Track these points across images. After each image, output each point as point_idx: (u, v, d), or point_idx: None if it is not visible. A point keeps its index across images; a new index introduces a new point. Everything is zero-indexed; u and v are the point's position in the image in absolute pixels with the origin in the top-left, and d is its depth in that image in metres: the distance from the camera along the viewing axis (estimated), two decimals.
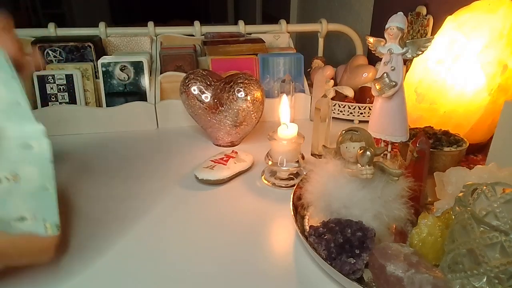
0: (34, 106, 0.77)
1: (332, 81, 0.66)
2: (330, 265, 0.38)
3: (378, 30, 0.78)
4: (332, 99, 0.66)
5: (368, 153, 0.40)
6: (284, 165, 0.58)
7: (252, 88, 0.67)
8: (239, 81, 0.67)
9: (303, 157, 0.60)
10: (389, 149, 0.55)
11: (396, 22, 0.47)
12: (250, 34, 1.03)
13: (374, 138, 0.51)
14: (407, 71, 0.72)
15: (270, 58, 0.87)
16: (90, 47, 0.83)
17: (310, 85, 0.89)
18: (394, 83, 0.48)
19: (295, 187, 0.54)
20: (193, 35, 1.02)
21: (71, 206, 0.53)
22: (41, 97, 0.78)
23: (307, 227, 0.46)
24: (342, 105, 0.83)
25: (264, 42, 0.93)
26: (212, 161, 0.61)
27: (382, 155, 0.48)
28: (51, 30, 0.92)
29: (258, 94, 0.68)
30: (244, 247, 0.46)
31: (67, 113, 0.76)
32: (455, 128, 0.57)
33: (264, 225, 0.50)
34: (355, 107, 0.82)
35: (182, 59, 0.88)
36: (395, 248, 0.37)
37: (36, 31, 0.92)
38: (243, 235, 0.48)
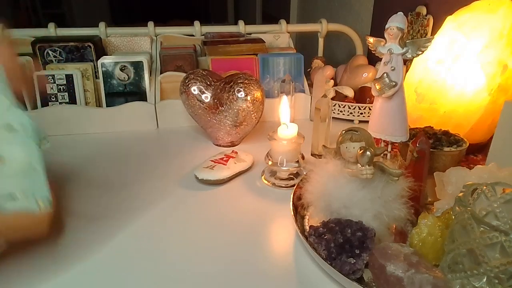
0: (34, 106, 0.77)
1: (332, 81, 0.66)
2: (330, 265, 0.38)
3: (378, 30, 0.78)
4: (332, 99, 0.66)
5: (368, 153, 0.40)
6: (284, 165, 0.58)
7: (252, 88, 0.67)
8: (239, 81, 0.67)
9: (303, 157, 0.60)
10: (389, 149, 0.55)
11: (396, 22, 0.47)
12: (250, 34, 1.03)
13: (374, 138, 0.51)
14: (407, 71, 0.72)
15: (270, 58, 0.87)
16: (90, 47, 0.83)
17: (310, 85, 0.89)
18: (394, 83, 0.48)
19: (295, 187, 0.54)
20: (193, 35, 1.02)
21: (71, 206, 0.53)
22: (41, 97, 0.78)
23: (307, 227, 0.46)
24: (342, 105, 0.83)
25: (264, 42, 0.93)
26: (212, 161, 0.61)
27: (382, 155, 0.48)
28: (51, 30, 0.92)
29: (258, 94, 0.68)
30: (244, 247, 0.46)
31: (67, 113, 0.76)
32: (455, 128, 0.57)
33: (264, 225, 0.50)
34: (355, 107, 0.82)
35: (182, 59, 0.88)
36: (395, 248, 0.37)
37: (36, 31, 0.92)
38: (243, 235, 0.48)
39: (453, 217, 0.37)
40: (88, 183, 0.60)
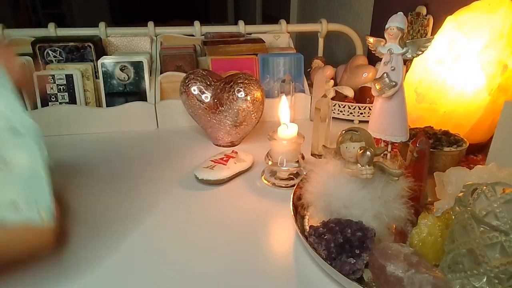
0: (34, 106, 0.77)
1: (332, 81, 0.66)
2: (330, 265, 0.38)
3: (378, 30, 0.78)
4: (332, 99, 0.66)
5: (368, 153, 0.40)
6: (284, 165, 0.58)
7: (252, 88, 0.67)
8: (239, 81, 0.67)
9: (303, 157, 0.60)
10: (389, 149, 0.55)
11: (396, 22, 0.47)
12: (250, 34, 1.03)
13: (374, 138, 0.51)
14: (407, 71, 0.72)
15: (270, 58, 0.87)
16: (90, 47, 0.83)
17: (310, 85, 0.89)
18: (394, 83, 0.48)
19: (295, 187, 0.54)
20: (193, 35, 1.02)
21: (71, 206, 0.53)
22: (41, 97, 0.78)
23: (307, 227, 0.46)
24: (342, 105, 0.83)
25: (264, 42, 0.93)
26: (212, 161, 0.61)
27: (382, 155, 0.48)
28: (51, 30, 0.92)
29: (258, 94, 0.68)
30: (244, 247, 0.46)
31: (67, 113, 0.76)
32: (455, 128, 0.57)
33: (264, 225, 0.50)
34: (355, 107, 0.82)
35: (182, 59, 0.88)
36: (395, 248, 0.37)
37: (36, 31, 0.92)
38: (243, 235, 0.48)
39: (453, 217, 0.37)
40: (88, 183, 0.60)
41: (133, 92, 0.81)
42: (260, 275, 0.41)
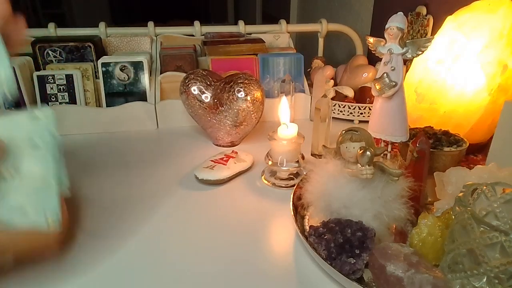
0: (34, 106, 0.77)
1: (332, 81, 0.66)
2: (330, 265, 0.38)
3: (378, 30, 0.78)
4: (332, 99, 0.66)
5: (368, 153, 0.40)
6: (284, 165, 0.58)
7: (252, 88, 0.67)
8: (239, 81, 0.67)
9: (303, 157, 0.60)
10: (389, 149, 0.55)
11: (396, 22, 0.47)
12: (250, 34, 1.03)
13: (374, 138, 0.51)
14: (407, 71, 0.72)
15: (270, 58, 0.87)
16: (90, 47, 0.83)
17: (310, 85, 0.89)
18: (394, 83, 0.48)
19: (295, 187, 0.54)
20: (193, 35, 1.02)
21: (71, 206, 0.53)
22: (41, 97, 0.78)
23: (307, 227, 0.46)
24: (342, 105, 0.83)
25: (264, 42, 0.93)
26: (212, 161, 0.61)
27: (382, 155, 0.48)
28: (51, 30, 0.92)
29: (258, 94, 0.68)
30: (244, 247, 0.46)
31: (67, 113, 0.76)
32: (455, 128, 0.57)
33: (264, 225, 0.50)
34: (355, 107, 0.82)
35: (182, 59, 0.88)
36: (395, 248, 0.37)
37: (36, 31, 0.92)
38: (243, 235, 0.48)
39: (453, 217, 0.37)
40: (87, 183, 0.60)
41: (133, 92, 0.81)
42: (260, 275, 0.41)
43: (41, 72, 0.78)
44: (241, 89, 0.66)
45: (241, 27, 1.02)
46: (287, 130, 0.58)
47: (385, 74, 0.49)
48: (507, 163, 0.43)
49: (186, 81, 0.69)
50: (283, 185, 0.59)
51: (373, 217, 0.42)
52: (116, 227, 0.49)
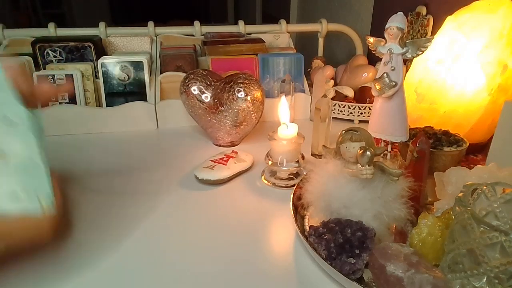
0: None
1: (332, 81, 0.66)
2: (330, 265, 0.38)
3: (378, 30, 0.78)
4: (332, 99, 0.66)
5: (368, 153, 0.40)
6: (284, 165, 0.58)
7: (252, 88, 0.67)
8: (239, 81, 0.67)
9: (303, 157, 0.60)
10: (389, 149, 0.55)
11: (396, 22, 0.47)
12: (250, 34, 1.03)
13: (374, 138, 0.51)
14: (407, 71, 0.72)
15: (270, 58, 0.87)
16: (90, 47, 0.83)
17: (310, 85, 0.89)
18: (394, 83, 0.48)
19: (295, 187, 0.54)
20: (193, 35, 1.02)
21: (70, 206, 0.53)
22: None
23: (307, 227, 0.46)
24: (342, 105, 0.83)
25: (264, 42, 0.93)
26: (212, 161, 0.61)
27: (382, 155, 0.48)
28: (51, 30, 0.92)
29: (258, 94, 0.68)
30: (244, 247, 0.46)
31: (67, 113, 0.76)
32: (455, 128, 0.57)
33: (264, 225, 0.50)
34: (355, 107, 0.82)
35: (182, 59, 0.88)
36: (395, 248, 0.37)
37: (36, 31, 0.92)
38: (243, 235, 0.48)
39: (453, 217, 0.37)
40: (87, 183, 0.60)
41: (133, 92, 0.81)
42: (260, 275, 0.41)
43: (41, 72, 0.78)
44: (241, 89, 0.66)
45: (241, 27, 1.02)
46: (287, 130, 0.58)
47: (385, 74, 0.49)
48: (507, 163, 0.43)
49: (186, 81, 0.69)
50: (283, 185, 0.59)
51: (373, 217, 0.42)
52: (115, 227, 0.49)
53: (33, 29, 0.92)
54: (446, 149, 0.51)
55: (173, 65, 0.88)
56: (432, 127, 0.57)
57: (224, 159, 0.62)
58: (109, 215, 0.51)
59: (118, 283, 0.40)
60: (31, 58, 0.81)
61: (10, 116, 0.34)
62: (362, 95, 0.84)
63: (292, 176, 0.60)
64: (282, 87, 0.81)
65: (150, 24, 0.99)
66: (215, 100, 0.68)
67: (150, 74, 0.83)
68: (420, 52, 0.48)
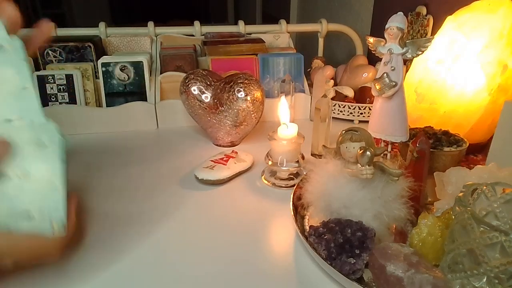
0: None
1: (332, 81, 0.66)
2: (330, 265, 0.38)
3: (378, 30, 0.78)
4: (332, 99, 0.66)
5: (368, 153, 0.40)
6: (284, 165, 0.58)
7: (252, 88, 0.67)
8: (239, 81, 0.67)
9: (303, 157, 0.60)
10: (389, 149, 0.55)
11: (396, 22, 0.47)
12: (250, 34, 1.03)
13: (374, 138, 0.51)
14: (407, 71, 0.72)
15: (270, 58, 0.87)
16: (90, 47, 0.83)
17: (310, 85, 0.89)
18: (394, 83, 0.48)
19: (295, 187, 0.54)
20: (193, 35, 1.02)
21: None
22: (41, 97, 0.78)
23: (307, 227, 0.46)
24: (342, 105, 0.83)
25: (264, 42, 0.93)
26: (212, 161, 0.61)
27: (382, 155, 0.48)
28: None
29: (258, 94, 0.68)
30: (244, 247, 0.46)
31: (67, 113, 0.76)
32: (455, 128, 0.57)
33: (264, 225, 0.50)
34: (355, 107, 0.82)
35: (182, 59, 0.88)
36: (395, 248, 0.37)
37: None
38: (243, 235, 0.48)
39: (453, 217, 0.37)
40: (87, 183, 0.59)
41: (133, 92, 0.81)
42: (260, 275, 0.41)
43: (41, 72, 0.78)
44: (241, 89, 0.66)
45: (241, 27, 1.02)
46: (287, 130, 0.58)
47: (385, 74, 0.49)
48: (507, 163, 0.43)
49: (186, 81, 0.69)
50: (283, 185, 0.59)
51: (373, 217, 0.42)
52: (115, 227, 0.49)
53: (33, 29, 0.92)
54: (446, 149, 0.51)
55: (173, 65, 0.88)
56: (432, 127, 0.57)
57: (224, 159, 0.62)
58: (108, 215, 0.51)
59: (118, 282, 0.40)
60: (31, 58, 0.81)
61: (43, 139, 0.35)
62: (362, 95, 0.84)
63: (292, 176, 0.60)
64: (282, 87, 0.81)
65: (150, 24, 0.99)
66: (215, 100, 0.68)
67: (150, 74, 0.83)
68: (420, 52, 0.48)
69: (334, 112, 0.83)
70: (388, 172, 0.41)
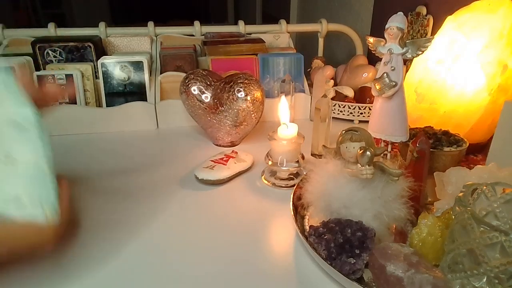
0: None
1: (332, 81, 0.66)
2: (330, 265, 0.38)
3: (378, 30, 0.78)
4: (332, 99, 0.66)
5: (368, 153, 0.40)
6: (284, 165, 0.58)
7: (252, 88, 0.67)
8: (239, 81, 0.67)
9: (303, 157, 0.60)
10: (389, 149, 0.55)
11: (396, 22, 0.47)
12: (250, 34, 1.03)
13: (374, 138, 0.51)
14: (407, 71, 0.72)
15: (270, 58, 0.87)
16: (90, 47, 0.83)
17: (310, 85, 0.89)
18: (394, 83, 0.48)
19: (295, 187, 0.54)
20: (193, 35, 1.02)
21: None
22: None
23: (307, 227, 0.46)
24: (342, 105, 0.83)
25: (264, 42, 0.93)
26: (212, 161, 0.61)
27: (382, 155, 0.48)
28: (51, 30, 0.92)
29: (258, 94, 0.68)
30: (244, 247, 0.46)
31: (67, 113, 0.76)
32: (455, 128, 0.57)
33: (264, 225, 0.50)
34: (355, 107, 0.82)
35: (182, 59, 0.88)
36: (395, 248, 0.37)
37: (36, 31, 0.92)
38: (243, 235, 0.48)
39: (453, 217, 0.37)
40: (87, 183, 0.60)
41: (133, 92, 0.81)
42: (260, 275, 0.41)
43: (41, 72, 0.78)
44: (241, 89, 0.66)
45: (241, 27, 1.02)
46: (287, 130, 0.58)
47: (385, 74, 0.49)
48: (507, 163, 0.43)
49: (186, 81, 0.69)
50: (283, 185, 0.59)
51: (373, 217, 0.42)
52: (115, 226, 0.49)
53: (33, 29, 0.92)
54: (446, 149, 0.51)
55: (173, 65, 0.88)
56: (432, 127, 0.57)
57: (224, 159, 0.62)
58: (108, 215, 0.51)
59: (118, 282, 0.40)
60: (31, 58, 0.81)
61: (20, 121, 0.34)
62: (362, 95, 0.84)
63: (292, 176, 0.60)
64: (282, 87, 0.81)
65: (150, 24, 0.99)
66: (215, 100, 0.68)
67: (150, 74, 0.83)
68: (420, 52, 0.48)
69: (334, 112, 0.83)
70: (388, 172, 0.41)
